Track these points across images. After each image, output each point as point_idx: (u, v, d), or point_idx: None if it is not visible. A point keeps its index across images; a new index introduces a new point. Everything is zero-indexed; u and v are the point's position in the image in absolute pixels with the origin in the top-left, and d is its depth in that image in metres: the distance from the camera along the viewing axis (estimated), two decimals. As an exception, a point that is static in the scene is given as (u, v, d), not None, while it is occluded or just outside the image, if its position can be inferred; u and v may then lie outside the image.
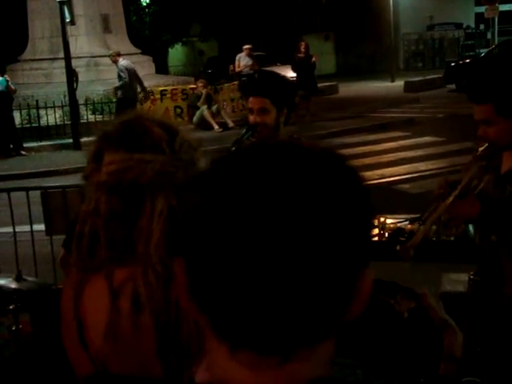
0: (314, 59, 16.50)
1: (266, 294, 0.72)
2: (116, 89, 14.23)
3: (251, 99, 3.47)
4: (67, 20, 13.82)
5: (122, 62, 14.36)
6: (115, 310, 1.42)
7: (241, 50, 17.76)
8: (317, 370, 0.78)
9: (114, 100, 15.59)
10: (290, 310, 0.73)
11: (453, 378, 0.91)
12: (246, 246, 0.72)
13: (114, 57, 14.39)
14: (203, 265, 0.74)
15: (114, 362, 1.47)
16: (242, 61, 17.50)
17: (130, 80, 14.15)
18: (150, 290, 1.39)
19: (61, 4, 13.75)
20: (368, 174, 10.20)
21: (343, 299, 0.76)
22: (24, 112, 15.03)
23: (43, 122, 14.89)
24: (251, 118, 3.45)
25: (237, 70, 17.68)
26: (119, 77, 14.13)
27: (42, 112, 14.92)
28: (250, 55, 17.49)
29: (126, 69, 14.11)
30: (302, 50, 16.88)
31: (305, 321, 0.74)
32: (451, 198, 2.75)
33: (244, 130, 3.49)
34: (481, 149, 2.90)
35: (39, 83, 17.06)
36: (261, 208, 0.72)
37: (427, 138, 12.91)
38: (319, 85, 18.74)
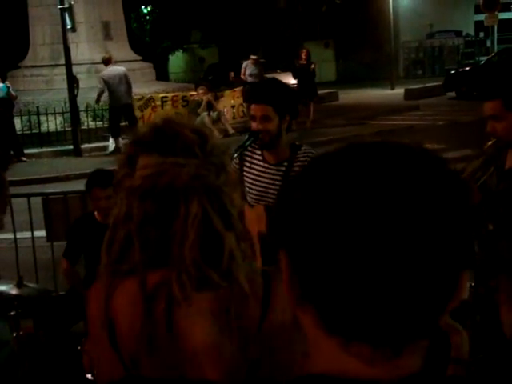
0: (312, 66, 16.56)
1: (381, 290, 0.74)
2: (97, 98, 14.28)
3: (253, 106, 3.50)
4: (68, 27, 13.86)
5: (104, 71, 14.22)
6: (149, 313, 1.43)
7: (241, 57, 17.88)
8: (419, 365, 0.81)
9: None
10: (404, 304, 0.75)
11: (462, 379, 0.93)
12: (360, 242, 0.74)
13: (103, 63, 14.35)
14: (315, 259, 0.77)
15: (148, 365, 1.47)
16: (248, 69, 17.68)
17: (114, 88, 14.01)
18: (183, 293, 1.39)
19: (62, 11, 13.80)
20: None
21: (449, 296, 0.79)
22: (25, 118, 15.06)
23: (44, 128, 14.92)
24: (253, 124, 3.48)
25: (242, 77, 17.85)
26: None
27: (43, 118, 14.96)
28: (256, 64, 17.71)
29: (109, 78, 13.97)
30: (303, 57, 16.95)
31: (417, 316, 0.77)
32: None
33: (246, 137, 3.51)
34: (489, 143, 2.97)
35: (40, 89, 17.09)
36: (375, 205, 0.74)
37: (427, 146, 12.91)
38: (319, 92, 18.78)
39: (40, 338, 3.65)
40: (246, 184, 3.65)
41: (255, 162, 3.64)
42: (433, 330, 0.80)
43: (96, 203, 4.35)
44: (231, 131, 15.31)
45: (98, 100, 14.46)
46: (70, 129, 14.55)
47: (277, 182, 3.52)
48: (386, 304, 0.75)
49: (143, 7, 30.23)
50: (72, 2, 14.05)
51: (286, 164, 3.51)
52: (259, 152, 3.63)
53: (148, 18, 30.58)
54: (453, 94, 21.00)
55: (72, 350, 3.33)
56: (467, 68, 22.52)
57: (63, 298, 4.69)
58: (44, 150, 14.46)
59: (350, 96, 23.10)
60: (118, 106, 14.20)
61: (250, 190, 3.65)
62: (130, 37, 20.13)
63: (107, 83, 13.93)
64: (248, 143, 3.49)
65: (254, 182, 3.63)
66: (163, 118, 1.56)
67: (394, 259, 0.74)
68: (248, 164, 3.65)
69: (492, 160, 3.05)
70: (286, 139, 3.54)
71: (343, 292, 0.76)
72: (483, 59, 23.92)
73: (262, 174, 3.60)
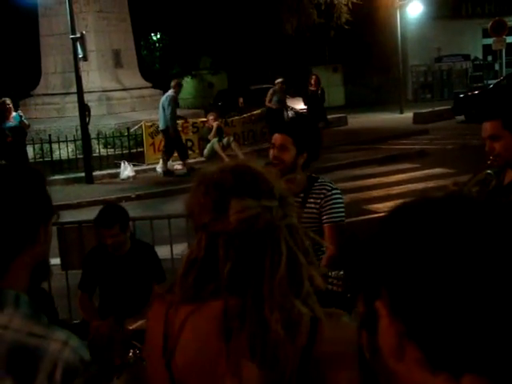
0: (319, 91, 16.67)
1: (488, 322, 0.79)
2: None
3: (275, 135, 3.60)
4: (80, 56, 14.03)
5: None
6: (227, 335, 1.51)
7: (250, 83, 17.92)
8: None
9: (125, 134, 15.78)
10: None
11: None
12: (464, 281, 0.80)
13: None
14: (421, 298, 0.81)
15: None
16: (275, 96, 17.24)
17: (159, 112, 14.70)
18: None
19: (74, 40, 13.99)
20: (378, 206, 10.24)
21: None
22: (37, 146, 15.20)
23: (56, 156, 15.06)
24: (271, 152, 3.56)
25: (267, 104, 17.37)
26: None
27: (55, 146, 15.11)
28: (282, 90, 17.36)
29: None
30: (313, 83, 17.10)
31: None
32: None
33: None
34: (488, 162, 3.12)
35: (52, 118, 17.29)
36: (473, 250, 0.81)
37: (437, 170, 12.95)
38: (328, 116, 18.89)
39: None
40: None
41: None
42: None
43: (103, 240, 4.43)
44: (242, 157, 15.36)
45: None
46: (81, 156, 14.68)
47: None
48: (495, 336, 0.79)
49: (153, 34, 30.57)
50: (84, 32, 14.25)
51: (302, 195, 3.55)
52: None
53: (158, 45, 30.91)
54: (462, 117, 21.03)
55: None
56: (476, 91, 22.57)
57: (77, 327, 4.72)
58: (56, 177, 14.56)
59: (359, 120, 23.19)
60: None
61: None
62: (140, 64, 20.35)
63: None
64: None
65: None
66: (235, 163, 1.65)
67: (495, 296, 0.79)
68: None
69: (491, 178, 3.18)
70: (301, 176, 3.58)
71: (452, 327, 0.80)
72: (492, 83, 23.97)
73: None
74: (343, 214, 3.57)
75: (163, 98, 14.74)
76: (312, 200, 3.54)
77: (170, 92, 14.66)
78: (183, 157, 14.95)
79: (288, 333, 1.46)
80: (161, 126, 14.78)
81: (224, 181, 1.54)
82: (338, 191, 3.60)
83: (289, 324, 1.46)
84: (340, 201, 3.57)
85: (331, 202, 3.53)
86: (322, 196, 3.53)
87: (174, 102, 14.73)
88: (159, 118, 14.74)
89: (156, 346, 1.59)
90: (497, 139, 3.08)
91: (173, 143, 14.71)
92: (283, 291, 1.46)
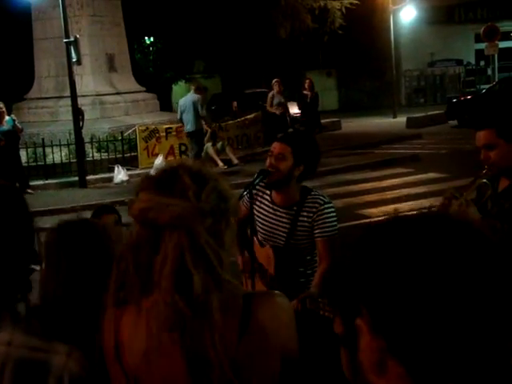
0: (309, 95, 16.57)
1: (473, 338, 0.82)
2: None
3: (275, 143, 3.61)
4: (74, 60, 14.01)
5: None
6: (149, 334, 1.58)
7: (244, 87, 17.82)
8: None
9: (119, 138, 15.76)
10: (492, 351, 0.83)
11: None
12: (446, 300, 0.82)
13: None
14: (404, 316, 0.83)
15: (147, 379, 1.62)
16: (275, 99, 16.76)
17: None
18: (178, 316, 1.54)
19: (67, 44, 13.97)
20: (372, 210, 10.25)
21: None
22: (30, 150, 15.17)
23: (49, 160, 15.02)
24: (268, 160, 3.57)
25: (269, 109, 16.90)
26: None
27: (48, 150, 15.07)
28: (280, 91, 16.92)
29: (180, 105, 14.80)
30: (306, 87, 17.10)
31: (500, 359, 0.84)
32: (455, 207, 2.97)
33: (256, 175, 3.56)
34: (483, 171, 3.13)
35: (45, 121, 17.25)
36: (454, 268, 0.84)
37: (431, 175, 12.98)
38: (322, 121, 18.91)
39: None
40: (257, 222, 3.70)
41: (265, 202, 3.70)
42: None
43: None
44: (235, 161, 15.39)
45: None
46: (75, 160, 14.66)
47: (286, 225, 3.57)
48: (476, 347, 0.82)
49: (146, 38, 30.55)
50: (77, 36, 14.23)
51: (295, 208, 3.56)
52: (268, 192, 3.69)
53: (151, 48, 30.88)
54: (455, 122, 21.10)
55: None
56: (469, 96, 22.64)
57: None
58: (49, 181, 14.55)
59: (353, 125, 23.24)
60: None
61: (260, 229, 3.70)
62: (134, 68, 20.34)
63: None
64: (257, 181, 3.54)
65: (263, 222, 3.68)
66: (179, 161, 1.78)
67: (478, 313, 0.82)
68: (258, 203, 3.71)
69: (486, 187, 3.19)
70: (295, 188, 3.59)
71: (432, 341, 0.82)
72: (484, 87, 24.06)
73: (270, 216, 3.66)
74: (336, 228, 3.54)
75: (188, 102, 14.51)
76: (305, 213, 3.53)
77: (194, 95, 14.59)
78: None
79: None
80: (190, 128, 14.51)
81: (153, 175, 1.66)
82: (331, 205, 3.59)
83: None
84: (333, 214, 3.54)
85: (324, 216, 3.50)
86: (315, 210, 3.51)
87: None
88: (186, 121, 14.50)
89: (109, 348, 1.66)
90: (492, 148, 3.07)
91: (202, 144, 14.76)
92: (167, 287, 1.52)
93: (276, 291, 1.74)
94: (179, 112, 14.75)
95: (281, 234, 3.59)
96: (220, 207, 1.59)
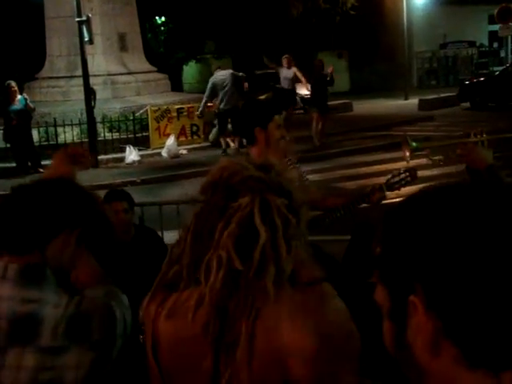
0: (330, 71, 16.22)
1: None
2: None
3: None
4: (86, 39, 13.96)
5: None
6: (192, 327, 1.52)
7: (255, 68, 17.64)
8: None
9: (131, 118, 15.75)
10: None
11: None
12: (502, 273, 0.78)
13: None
14: (461, 293, 0.80)
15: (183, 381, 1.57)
16: (282, 74, 16.84)
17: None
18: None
19: (79, 23, 13.91)
20: (385, 192, 10.21)
21: None
22: (42, 130, 15.16)
23: (61, 139, 14.99)
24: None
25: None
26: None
27: (60, 130, 15.06)
28: (289, 66, 16.77)
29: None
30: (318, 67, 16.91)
31: None
32: (471, 144, 3.21)
33: None
34: None
35: (57, 101, 17.24)
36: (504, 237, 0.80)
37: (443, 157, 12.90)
38: (334, 102, 18.77)
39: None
40: None
41: None
42: None
43: (114, 218, 4.40)
44: (232, 145, 15.32)
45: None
46: (86, 140, 14.64)
47: None
48: None
49: (157, 18, 30.40)
50: (90, 15, 14.17)
51: None
52: None
53: (162, 28, 30.75)
54: (467, 104, 20.95)
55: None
56: (482, 78, 22.46)
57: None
58: (61, 161, 14.55)
59: (364, 106, 23.09)
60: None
61: None
62: (145, 47, 20.25)
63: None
64: None
65: None
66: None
67: None
68: None
69: None
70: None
71: (491, 323, 0.78)
72: (497, 69, 23.86)
73: None
74: None
75: (229, 77, 14.74)
76: None
77: (228, 72, 15.00)
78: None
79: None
80: (228, 105, 14.57)
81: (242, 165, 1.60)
82: None
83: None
84: None
85: None
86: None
87: None
88: (226, 99, 14.62)
89: (147, 345, 1.62)
90: None
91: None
92: (228, 244, 1.47)
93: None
94: (211, 89, 14.82)
95: None
96: (285, 192, 1.55)
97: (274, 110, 3.83)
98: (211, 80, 14.91)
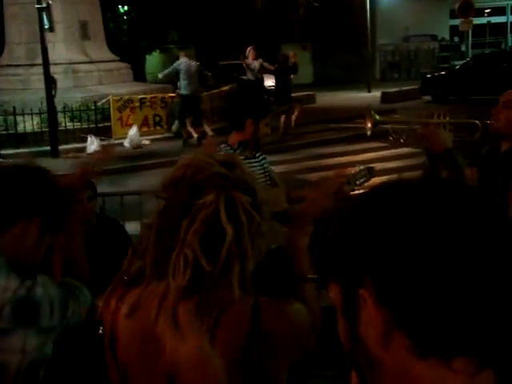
0: (293, 60, 16.32)
1: (480, 303, 0.80)
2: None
3: None
4: (46, 26, 13.73)
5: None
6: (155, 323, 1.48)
7: (219, 59, 17.61)
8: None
9: (92, 108, 15.56)
10: (498, 316, 0.80)
11: None
12: (452, 263, 0.80)
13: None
14: (410, 284, 0.81)
15: (140, 373, 1.54)
16: (251, 65, 16.63)
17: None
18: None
19: (39, 10, 13.67)
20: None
21: None
22: (1, 118, 14.89)
23: (20, 128, 14.76)
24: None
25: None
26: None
27: (19, 118, 14.81)
28: (255, 57, 16.62)
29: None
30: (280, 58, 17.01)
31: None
32: (438, 121, 3.27)
33: (236, 146, 3.58)
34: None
35: (16, 89, 16.90)
36: (457, 229, 0.82)
37: (405, 149, 13.02)
38: (297, 94, 18.81)
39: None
40: None
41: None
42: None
43: (77, 206, 4.34)
44: (210, 133, 15.27)
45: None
46: (47, 129, 14.42)
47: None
48: (485, 317, 0.80)
49: (120, 7, 30.05)
50: (50, 2, 13.92)
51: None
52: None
53: (125, 17, 30.40)
54: (429, 97, 21.20)
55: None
56: (443, 72, 22.75)
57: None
58: (21, 150, 14.27)
59: (328, 99, 23.22)
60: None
61: None
62: (107, 36, 20.01)
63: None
64: (238, 151, 3.57)
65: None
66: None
67: (482, 278, 0.80)
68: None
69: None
70: None
71: (441, 312, 0.79)
72: (458, 64, 24.19)
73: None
74: None
75: (193, 67, 15.06)
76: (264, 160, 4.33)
77: (194, 61, 15.45)
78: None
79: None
80: (192, 92, 14.94)
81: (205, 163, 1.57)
82: None
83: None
84: None
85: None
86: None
87: None
88: (193, 86, 14.94)
89: (105, 340, 1.60)
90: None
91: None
92: (193, 242, 1.45)
93: (290, 299, 1.63)
94: (169, 73, 15.28)
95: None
96: (249, 189, 1.54)
97: (269, 108, 4.06)
98: (177, 63, 15.21)
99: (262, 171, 4.19)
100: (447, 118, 3.16)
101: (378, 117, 3.51)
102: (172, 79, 15.60)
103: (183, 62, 15.04)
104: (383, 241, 0.83)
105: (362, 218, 0.88)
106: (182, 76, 14.91)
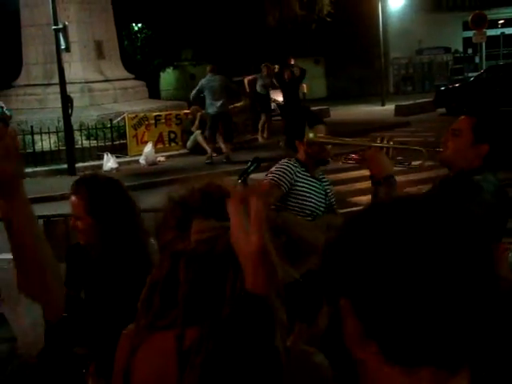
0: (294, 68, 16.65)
1: (443, 319, 0.88)
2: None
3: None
4: (62, 47, 13.92)
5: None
6: (183, 367, 1.42)
7: (233, 75, 17.75)
8: None
9: (108, 126, 15.72)
10: (459, 330, 0.89)
11: None
12: (422, 284, 0.88)
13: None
14: (381, 302, 0.90)
15: None
16: (259, 81, 17.31)
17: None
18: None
19: (56, 31, 13.88)
20: (362, 198, 10.28)
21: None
22: (19, 138, 14.99)
23: (38, 147, 14.94)
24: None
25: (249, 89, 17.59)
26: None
27: (37, 137, 14.98)
28: (269, 74, 17.25)
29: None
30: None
31: (473, 338, 0.90)
32: (380, 145, 3.09)
33: (249, 163, 3.61)
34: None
35: (33, 109, 17.13)
36: (431, 251, 0.89)
37: (419, 163, 13.01)
38: (311, 108, 18.81)
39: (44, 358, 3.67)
40: (300, 198, 4.22)
41: (305, 178, 4.37)
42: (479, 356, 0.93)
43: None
44: (225, 149, 15.35)
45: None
46: (64, 148, 14.58)
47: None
48: (447, 331, 0.88)
49: (134, 24, 30.33)
50: (66, 23, 14.14)
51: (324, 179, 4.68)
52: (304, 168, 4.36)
53: (139, 35, 30.68)
54: (443, 110, 21.15)
55: (76, 372, 3.36)
56: (457, 84, 22.70)
57: (65, 320, 4.68)
58: (38, 169, 14.47)
59: (341, 112, 23.21)
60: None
61: (305, 204, 4.17)
62: (122, 55, 20.23)
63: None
64: (251, 169, 3.59)
65: (311, 196, 4.28)
66: (207, 182, 1.56)
67: (451, 295, 0.88)
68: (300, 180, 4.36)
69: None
70: None
71: (407, 327, 0.88)
72: (472, 75, 24.14)
73: (313, 189, 4.44)
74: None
75: (216, 82, 14.81)
76: (327, 182, 4.69)
77: (217, 76, 15.04)
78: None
79: None
80: (218, 109, 14.64)
81: (190, 199, 1.50)
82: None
83: None
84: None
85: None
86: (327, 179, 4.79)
87: None
88: (218, 102, 14.65)
89: (117, 379, 1.53)
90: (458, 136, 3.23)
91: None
92: None
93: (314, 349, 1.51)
94: (194, 94, 14.98)
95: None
96: None
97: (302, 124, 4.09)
98: (201, 82, 15.02)
99: (322, 193, 4.30)
100: (391, 143, 3.09)
101: (311, 135, 3.47)
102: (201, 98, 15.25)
103: (204, 80, 14.89)
104: (356, 265, 0.93)
105: (341, 242, 0.98)
106: (205, 95, 14.72)
